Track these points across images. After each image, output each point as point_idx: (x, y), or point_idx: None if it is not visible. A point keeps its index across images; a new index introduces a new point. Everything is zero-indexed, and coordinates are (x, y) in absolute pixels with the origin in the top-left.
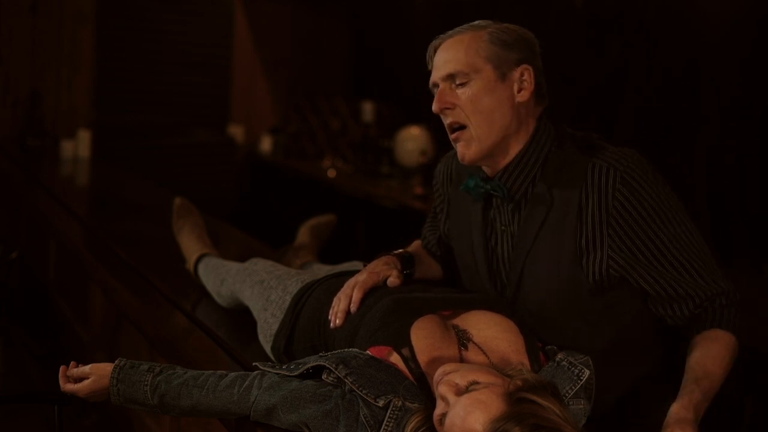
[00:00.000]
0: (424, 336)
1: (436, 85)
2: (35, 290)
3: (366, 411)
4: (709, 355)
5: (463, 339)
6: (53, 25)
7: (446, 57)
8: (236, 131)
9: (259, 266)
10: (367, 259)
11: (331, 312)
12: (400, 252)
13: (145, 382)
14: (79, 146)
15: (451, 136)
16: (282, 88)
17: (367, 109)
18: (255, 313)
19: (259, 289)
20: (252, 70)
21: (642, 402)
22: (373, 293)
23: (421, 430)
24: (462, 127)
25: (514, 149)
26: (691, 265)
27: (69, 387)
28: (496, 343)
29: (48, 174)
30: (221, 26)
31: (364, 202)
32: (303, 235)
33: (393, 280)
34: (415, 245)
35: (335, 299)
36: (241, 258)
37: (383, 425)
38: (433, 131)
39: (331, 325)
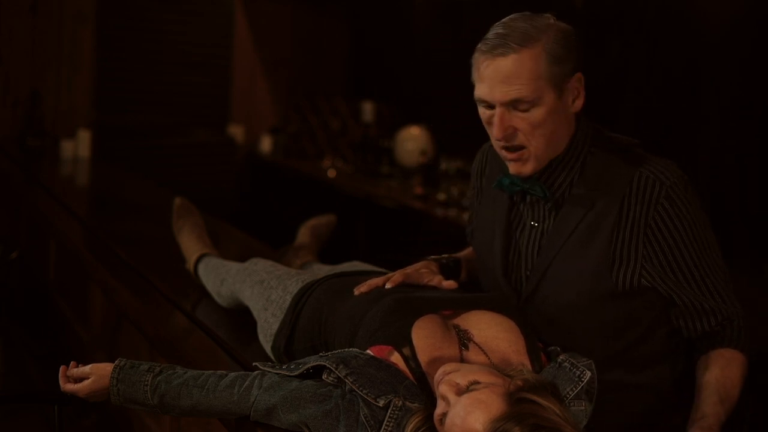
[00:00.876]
0: (425, 335)
1: (487, 104)
2: (35, 290)
3: (366, 411)
4: (729, 377)
5: (463, 339)
6: (53, 25)
7: (504, 78)
8: (236, 131)
9: (259, 266)
10: (367, 260)
11: (362, 284)
12: (446, 258)
13: (145, 382)
14: (79, 146)
15: (508, 155)
16: (282, 88)
17: (367, 109)
18: (255, 313)
19: (259, 289)
20: (252, 70)
21: (648, 414)
22: (374, 291)
23: (422, 430)
24: (521, 148)
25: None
26: (715, 285)
27: (69, 387)
28: (496, 343)
29: (48, 174)
30: (221, 26)
31: (364, 202)
32: (303, 235)
33: (450, 283)
34: (468, 249)
35: (372, 279)
36: (241, 258)
37: (383, 425)
38: (433, 131)
39: (356, 292)
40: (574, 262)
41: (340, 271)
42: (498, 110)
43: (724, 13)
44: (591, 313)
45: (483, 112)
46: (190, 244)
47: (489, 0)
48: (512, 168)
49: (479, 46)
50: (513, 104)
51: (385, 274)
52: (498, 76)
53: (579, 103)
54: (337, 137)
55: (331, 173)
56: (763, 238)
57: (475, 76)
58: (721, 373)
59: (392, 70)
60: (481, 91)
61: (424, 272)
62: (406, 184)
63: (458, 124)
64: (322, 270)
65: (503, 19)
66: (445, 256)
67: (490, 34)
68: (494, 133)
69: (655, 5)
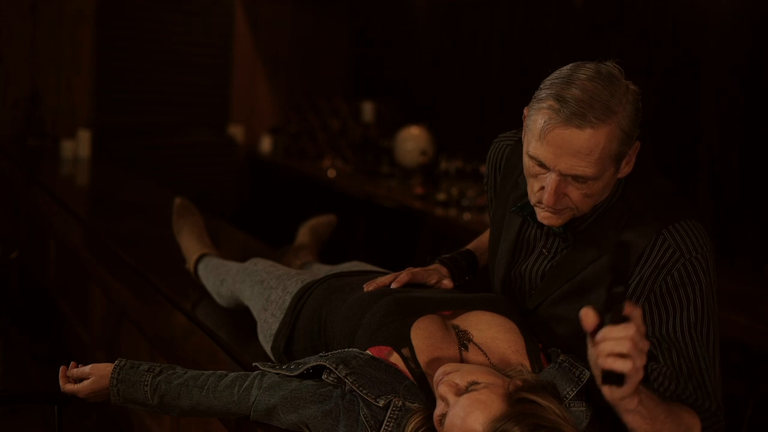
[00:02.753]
0: (424, 336)
1: (542, 164)
2: (35, 290)
3: (366, 411)
4: (678, 413)
5: (463, 339)
6: (53, 25)
7: (575, 152)
8: (236, 131)
9: (259, 266)
10: (367, 260)
11: (370, 281)
12: (458, 256)
13: (145, 383)
14: (79, 146)
15: (546, 209)
16: (282, 88)
17: (367, 109)
18: (255, 313)
19: (259, 289)
20: (252, 70)
21: None
22: (374, 291)
23: (421, 430)
24: (564, 208)
25: None
26: (702, 371)
27: (69, 387)
28: (496, 344)
29: (48, 174)
30: (221, 26)
31: (364, 202)
32: (303, 235)
33: (446, 283)
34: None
35: (380, 278)
36: (241, 258)
37: (383, 425)
38: (433, 131)
39: (365, 288)
40: (571, 303)
41: (339, 271)
42: (554, 177)
43: (724, 13)
44: (577, 348)
45: (531, 166)
46: (190, 244)
47: (489, 0)
48: (543, 218)
49: (544, 98)
50: (573, 177)
51: (385, 274)
52: (568, 148)
53: (627, 170)
54: (337, 137)
55: (331, 173)
56: (764, 238)
57: (532, 130)
58: (671, 407)
59: (392, 70)
60: (541, 153)
61: (433, 273)
62: (406, 184)
63: (458, 124)
64: (322, 270)
65: (572, 72)
66: (457, 252)
67: (561, 88)
68: (546, 199)
69: (655, 5)
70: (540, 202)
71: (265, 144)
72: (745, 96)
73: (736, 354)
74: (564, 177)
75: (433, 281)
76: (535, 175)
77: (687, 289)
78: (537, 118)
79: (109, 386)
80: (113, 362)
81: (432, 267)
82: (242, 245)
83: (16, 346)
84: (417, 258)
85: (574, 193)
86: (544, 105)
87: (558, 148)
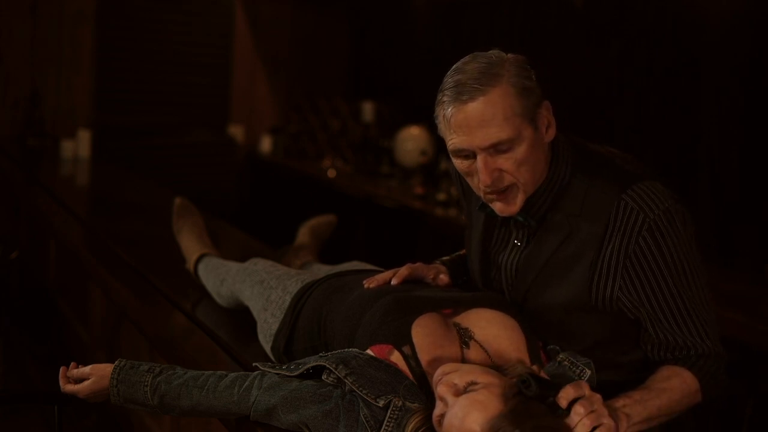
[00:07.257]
0: (425, 334)
1: (466, 153)
2: (35, 290)
3: (366, 411)
4: (669, 388)
5: (464, 337)
6: (53, 25)
7: (480, 122)
8: (236, 131)
9: (259, 266)
10: (367, 260)
11: (370, 278)
12: (457, 258)
13: (145, 383)
14: (79, 146)
15: (495, 197)
16: (282, 88)
17: (367, 109)
18: (255, 313)
19: (259, 289)
20: (252, 70)
21: None
22: (374, 291)
23: (421, 430)
24: (508, 186)
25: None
26: (694, 321)
27: (69, 388)
28: (497, 342)
29: (48, 174)
30: (221, 26)
31: (364, 202)
32: (303, 235)
33: (443, 278)
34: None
35: (381, 274)
36: (241, 258)
37: (383, 425)
38: (433, 131)
39: (365, 284)
40: (557, 285)
41: (340, 271)
42: (480, 157)
43: (724, 13)
44: (576, 326)
45: (460, 163)
46: (190, 244)
47: (488, 0)
48: (499, 209)
49: (441, 98)
50: (494, 147)
51: None
52: (474, 123)
53: (552, 132)
54: (337, 137)
55: (331, 173)
56: (764, 238)
57: (443, 129)
58: (661, 379)
59: (392, 70)
60: (457, 141)
61: (431, 268)
62: (406, 184)
63: None
64: (322, 270)
65: (455, 66)
66: (455, 255)
67: (449, 82)
68: (482, 180)
69: (655, 5)
70: (486, 192)
71: (265, 144)
72: (745, 96)
73: (735, 354)
74: (487, 152)
75: (431, 276)
76: (468, 171)
77: (661, 247)
78: (441, 117)
79: (109, 386)
80: (113, 362)
81: (432, 265)
82: (242, 245)
83: (16, 346)
84: (417, 258)
85: (506, 164)
86: (443, 101)
87: (466, 128)
